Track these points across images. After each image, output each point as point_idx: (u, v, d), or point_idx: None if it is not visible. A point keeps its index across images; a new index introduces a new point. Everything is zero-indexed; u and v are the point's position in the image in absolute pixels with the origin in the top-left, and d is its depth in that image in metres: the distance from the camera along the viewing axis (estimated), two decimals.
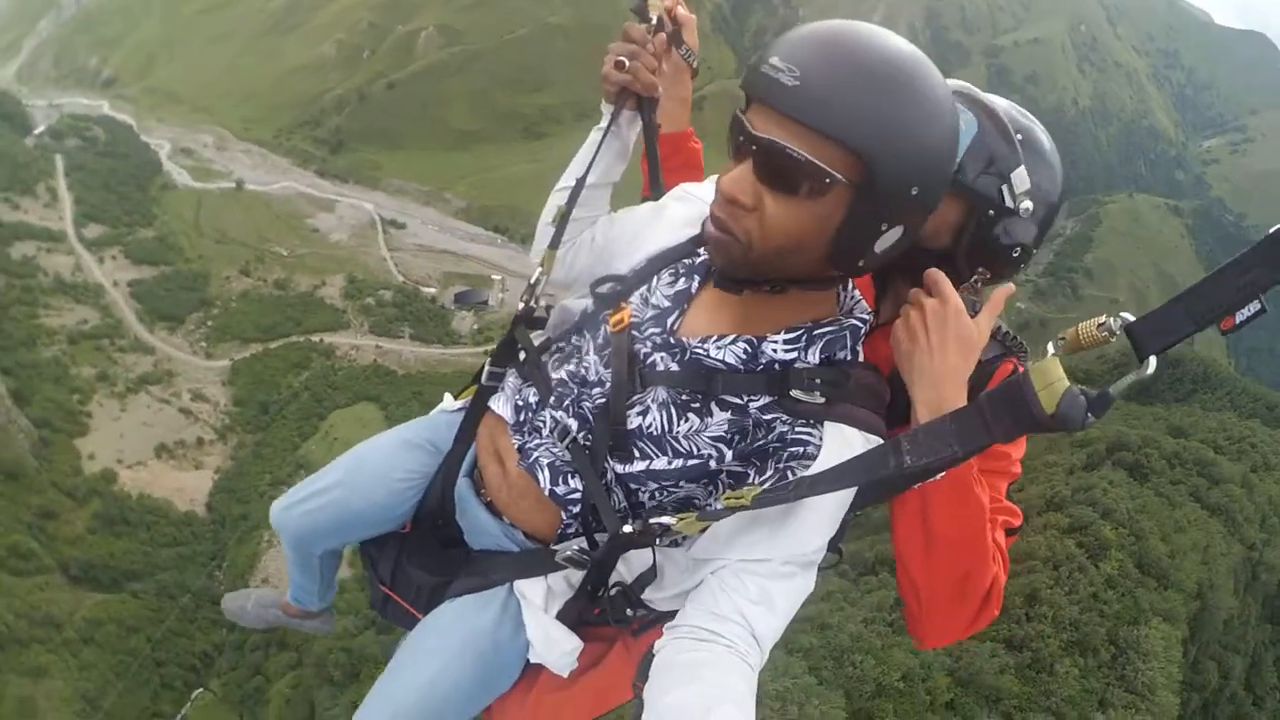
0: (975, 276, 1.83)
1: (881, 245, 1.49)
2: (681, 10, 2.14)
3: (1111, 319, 1.34)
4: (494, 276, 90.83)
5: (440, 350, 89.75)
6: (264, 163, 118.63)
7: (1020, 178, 1.76)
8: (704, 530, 1.58)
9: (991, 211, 1.78)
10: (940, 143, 1.42)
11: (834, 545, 1.69)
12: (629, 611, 1.81)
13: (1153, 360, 1.24)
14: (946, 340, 1.58)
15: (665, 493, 1.73)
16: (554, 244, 2.01)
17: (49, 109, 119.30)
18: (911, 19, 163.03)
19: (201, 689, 52.92)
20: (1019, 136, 1.77)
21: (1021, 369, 1.74)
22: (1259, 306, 1.17)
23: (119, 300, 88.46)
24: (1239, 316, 1.18)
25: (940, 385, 1.57)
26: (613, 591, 1.79)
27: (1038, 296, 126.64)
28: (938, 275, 1.64)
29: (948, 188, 1.51)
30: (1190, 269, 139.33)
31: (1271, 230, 1.14)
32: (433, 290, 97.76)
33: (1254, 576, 26.51)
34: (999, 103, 1.83)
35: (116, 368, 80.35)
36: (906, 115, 1.36)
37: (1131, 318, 1.30)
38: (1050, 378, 1.27)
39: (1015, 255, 1.84)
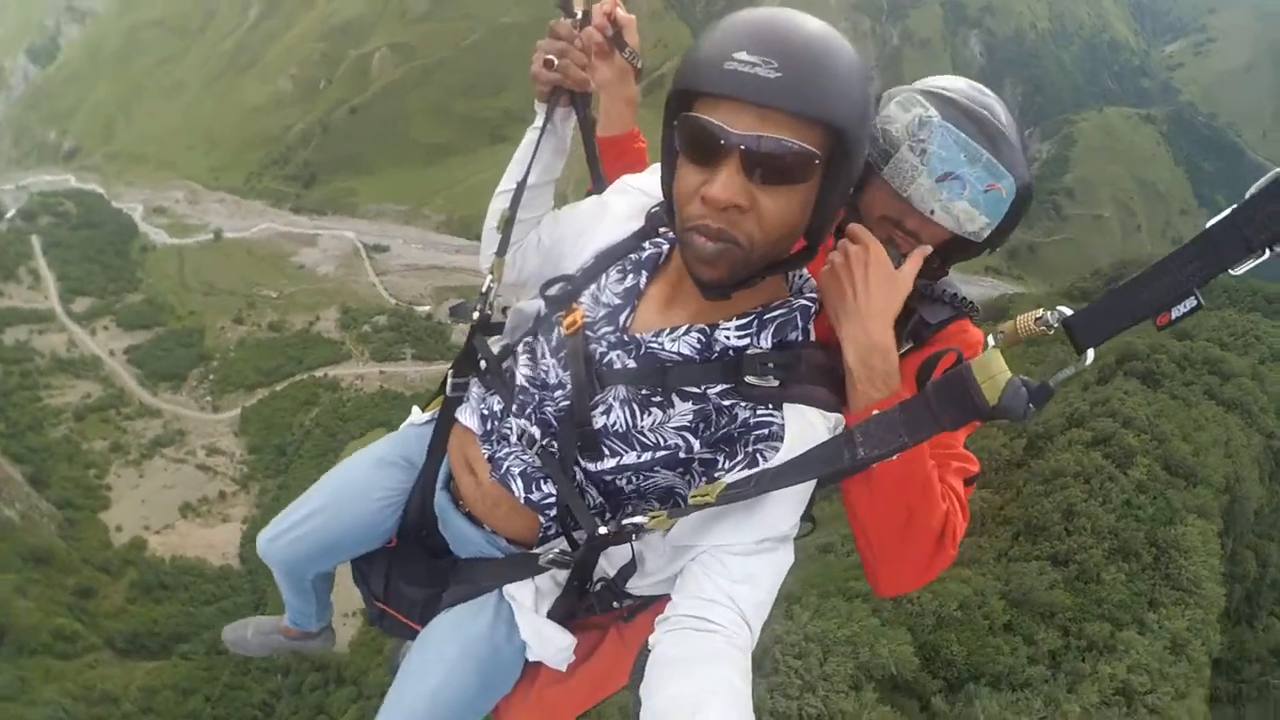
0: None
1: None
2: (621, 12, 2.16)
3: (1049, 312, 1.35)
4: None
5: (443, 365, 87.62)
6: (239, 209, 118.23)
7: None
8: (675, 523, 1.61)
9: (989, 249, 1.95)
10: (871, 98, 1.52)
11: (806, 515, 1.76)
12: (615, 603, 1.86)
13: (1090, 353, 1.27)
14: (869, 279, 1.62)
15: (642, 477, 1.75)
16: (501, 249, 2.04)
17: (16, 191, 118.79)
18: None
19: None
20: (984, 113, 1.80)
21: (975, 349, 1.88)
22: (1195, 303, 1.17)
23: (118, 369, 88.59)
24: (1175, 312, 1.19)
25: (866, 321, 1.61)
26: (598, 586, 1.84)
27: (1023, 223, 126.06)
28: (857, 226, 1.72)
29: None
30: (1169, 175, 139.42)
31: (1207, 225, 1.16)
32: (427, 308, 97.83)
33: (1277, 464, 26.83)
34: (957, 85, 1.87)
35: (127, 436, 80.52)
36: (859, 85, 1.44)
37: (1069, 311, 1.32)
38: (992, 370, 1.31)
39: (978, 241, 1.91)
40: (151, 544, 69.58)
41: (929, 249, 1.74)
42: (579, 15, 2.04)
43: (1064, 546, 18.01)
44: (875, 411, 1.53)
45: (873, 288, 1.61)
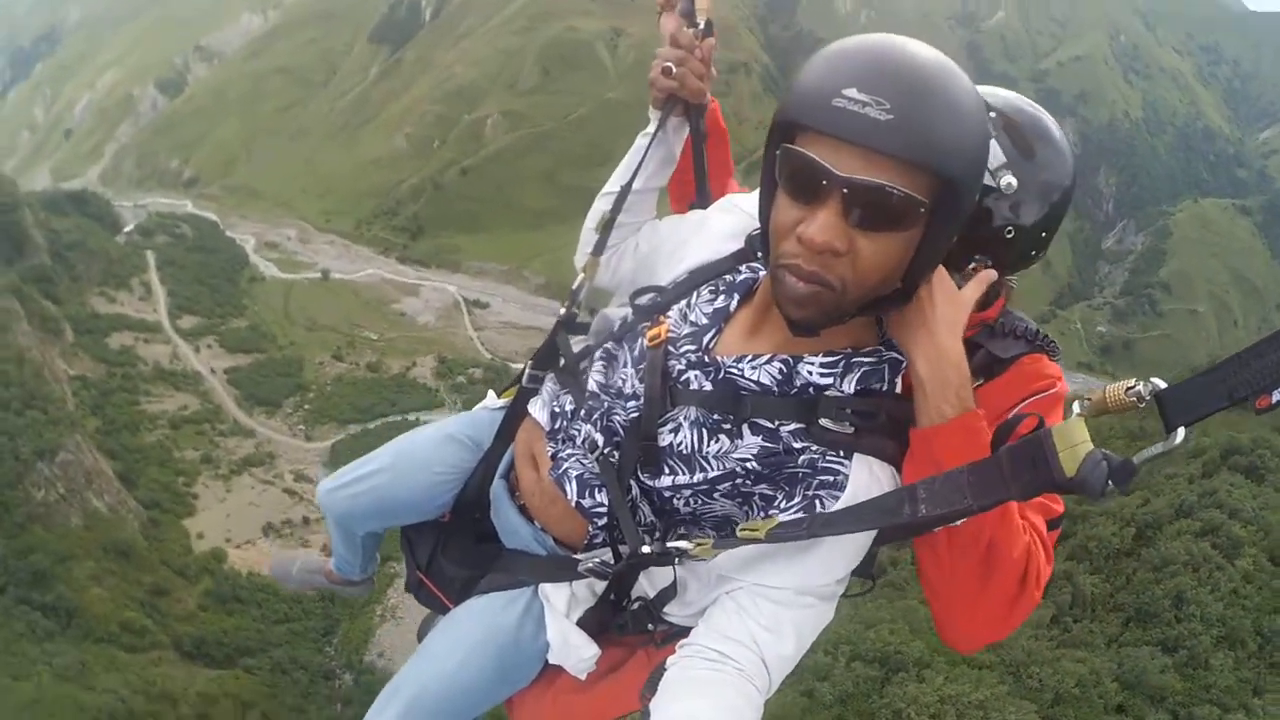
0: (973, 264, 1.73)
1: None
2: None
3: (1141, 385, 1.23)
4: None
5: None
6: (347, 252, 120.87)
7: (994, 154, 1.66)
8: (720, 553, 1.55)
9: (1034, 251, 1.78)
10: (986, 141, 1.42)
11: (867, 573, 1.73)
12: (650, 625, 1.81)
13: (1181, 432, 1.14)
14: (934, 293, 1.50)
15: (700, 502, 1.68)
16: (598, 250, 2.05)
17: (135, 209, 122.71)
18: (953, 55, 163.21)
19: None
20: (1016, 119, 1.74)
21: (1051, 387, 1.77)
22: None
23: (217, 387, 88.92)
24: (1275, 396, 1.06)
25: (935, 330, 1.48)
26: (634, 605, 1.80)
27: (1117, 318, 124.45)
28: None
29: None
30: (1266, 268, 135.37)
31: None
32: (520, 365, 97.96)
33: None
34: (1003, 95, 1.80)
35: (219, 451, 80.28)
36: (975, 128, 1.36)
37: (1163, 384, 1.21)
38: (1074, 439, 1.21)
39: (1009, 236, 1.75)
40: (231, 556, 68.82)
41: (993, 274, 1.64)
42: (701, 25, 2.03)
43: (1174, 632, 18.58)
44: (942, 435, 1.45)
45: (937, 300, 1.50)
